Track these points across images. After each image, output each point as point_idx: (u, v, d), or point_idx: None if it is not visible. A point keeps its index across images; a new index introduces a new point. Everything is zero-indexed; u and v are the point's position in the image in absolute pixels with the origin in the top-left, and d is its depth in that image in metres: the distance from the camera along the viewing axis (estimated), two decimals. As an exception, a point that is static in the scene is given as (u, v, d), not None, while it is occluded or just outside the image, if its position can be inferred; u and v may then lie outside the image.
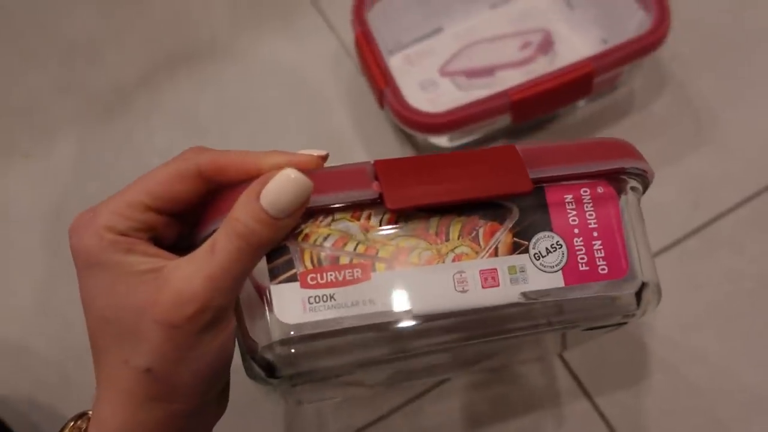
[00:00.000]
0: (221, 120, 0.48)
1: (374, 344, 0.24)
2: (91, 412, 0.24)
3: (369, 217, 0.24)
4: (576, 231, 0.25)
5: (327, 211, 0.24)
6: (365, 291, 0.23)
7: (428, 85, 0.47)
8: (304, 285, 0.23)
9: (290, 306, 0.23)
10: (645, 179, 0.27)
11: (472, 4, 0.49)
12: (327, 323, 0.23)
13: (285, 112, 0.48)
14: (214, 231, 0.22)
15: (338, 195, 0.24)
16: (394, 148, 0.47)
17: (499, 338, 0.26)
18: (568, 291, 0.24)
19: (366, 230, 0.24)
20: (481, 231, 0.24)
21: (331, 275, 0.23)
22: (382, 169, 0.24)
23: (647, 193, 0.29)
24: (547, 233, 0.25)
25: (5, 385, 0.40)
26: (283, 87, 0.48)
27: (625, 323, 0.27)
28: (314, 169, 0.24)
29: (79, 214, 0.23)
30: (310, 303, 0.23)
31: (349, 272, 0.23)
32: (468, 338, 0.25)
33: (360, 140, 0.47)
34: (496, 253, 0.24)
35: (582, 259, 0.25)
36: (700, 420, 0.39)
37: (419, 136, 0.45)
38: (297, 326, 0.23)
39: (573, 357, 0.41)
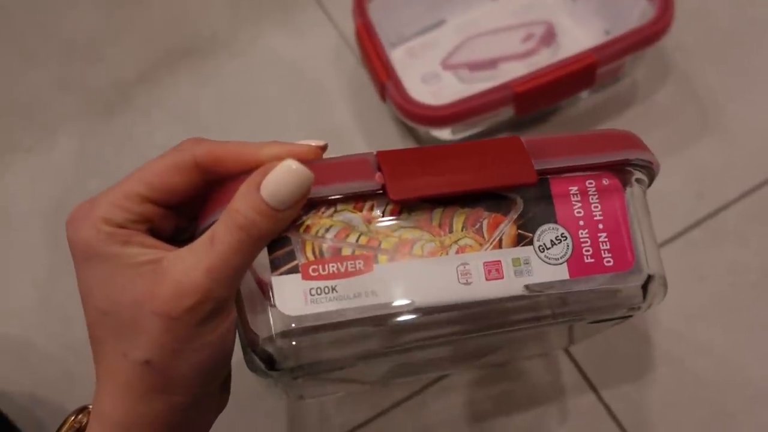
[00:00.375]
0: (222, 115, 0.48)
1: (376, 336, 0.24)
2: (91, 406, 0.24)
3: (371, 209, 0.24)
4: (581, 223, 0.25)
5: (329, 202, 0.24)
6: (367, 283, 0.23)
7: (430, 78, 0.47)
8: (306, 276, 0.23)
9: (292, 298, 0.23)
10: (651, 171, 0.27)
11: (474, -4, 0.48)
12: (329, 315, 0.23)
13: (286, 107, 0.48)
14: (213, 223, 0.22)
15: (340, 186, 0.23)
16: (395, 142, 0.46)
17: (502, 331, 0.25)
18: (573, 283, 0.24)
19: (368, 221, 0.24)
20: (485, 223, 0.24)
21: (333, 267, 0.23)
22: (384, 159, 0.24)
23: (652, 184, 0.29)
24: (551, 225, 0.24)
25: (7, 381, 0.40)
26: (284, 81, 0.48)
27: (631, 316, 0.27)
28: (314, 160, 0.24)
29: (76, 207, 0.23)
30: (311, 295, 0.23)
31: (351, 264, 0.23)
32: (471, 331, 0.25)
33: (361, 134, 0.47)
34: (500, 245, 0.24)
35: (587, 251, 0.24)
36: (705, 412, 0.39)
37: (421, 130, 0.45)
38: (298, 318, 0.23)
39: (578, 350, 0.41)
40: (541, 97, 0.42)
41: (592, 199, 0.25)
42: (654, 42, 0.42)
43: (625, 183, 0.25)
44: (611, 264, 0.24)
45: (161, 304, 0.21)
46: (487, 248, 0.24)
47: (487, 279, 0.24)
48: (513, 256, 0.24)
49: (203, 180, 0.23)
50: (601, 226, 0.25)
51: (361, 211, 0.24)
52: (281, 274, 0.23)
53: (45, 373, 0.41)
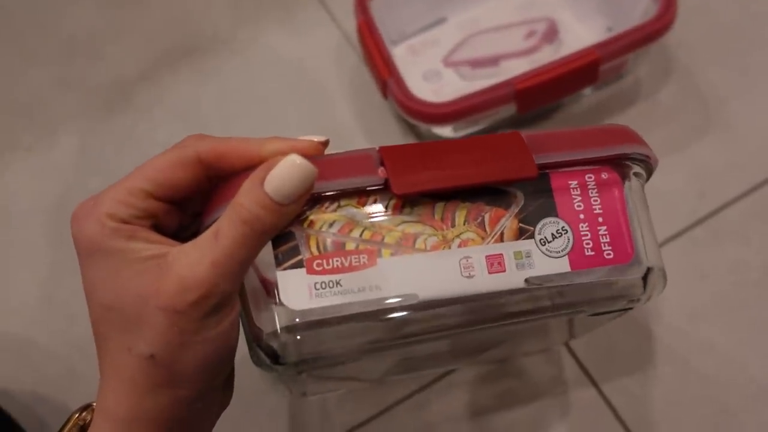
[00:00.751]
0: (223, 113, 0.48)
1: (380, 330, 0.24)
2: (95, 404, 0.24)
3: (375, 204, 0.24)
4: (581, 216, 0.25)
5: (332, 197, 0.24)
6: (371, 277, 0.23)
7: (432, 75, 0.47)
8: (310, 271, 0.23)
9: (296, 292, 0.23)
10: (649, 165, 0.27)
11: (476, -6, 0.49)
12: (333, 309, 0.23)
13: (287, 105, 0.48)
14: (217, 218, 0.22)
15: (344, 181, 0.24)
16: (397, 140, 0.46)
17: (505, 323, 0.26)
18: (574, 276, 0.25)
19: (372, 217, 0.24)
20: (486, 217, 0.25)
21: (337, 261, 0.23)
22: (387, 155, 0.24)
23: (653, 181, 0.29)
24: (552, 219, 0.25)
25: (10, 379, 0.41)
26: (285, 79, 0.48)
27: (631, 308, 0.27)
28: (316, 156, 0.24)
29: (80, 203, 0.23)
30: (316, 289, 0.23)
31: (355, 258, 0.23)
32: (474, 323, 0.25)
33: (363, 131, 0.47)
34: (501, 239, 0.24)
35: (587, 244, 0.25)
36: (707, 410, 0.39)
37: (423, 127, 0.45)
38: (303, 312, 0.23)
39: (579, 346, 0.41)
40: (543, 94, 0.42)
41: (592, 192, 0.25)
42: (657, 39, 0.42)
43: (624, 177, 0.26)
44: (611, 256, 0.25)
45: (166, 299, 0.21)
46: (489, 242, 0.24)
47: (489, 272, 0.24)
48: (515, 250, 0.24)
49: (206, 176, 0.24)
50: (600, 219, 0.25)
51: (364, 206, 0.24)
52: (286, 268, 0.23)
53: (47, 371, 0.41)
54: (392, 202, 0.24)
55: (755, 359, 0.40)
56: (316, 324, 0.23)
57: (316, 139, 0.24)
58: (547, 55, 0.46)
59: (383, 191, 0.24)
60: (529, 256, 0.24)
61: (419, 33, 0.48)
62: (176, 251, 0.22)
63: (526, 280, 0.24)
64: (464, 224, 0.24)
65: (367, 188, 0.24)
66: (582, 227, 0.25)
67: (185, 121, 0.48)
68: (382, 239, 0.24)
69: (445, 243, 0.24)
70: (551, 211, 0.25)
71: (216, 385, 0.24)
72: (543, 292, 0.25)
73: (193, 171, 0.23)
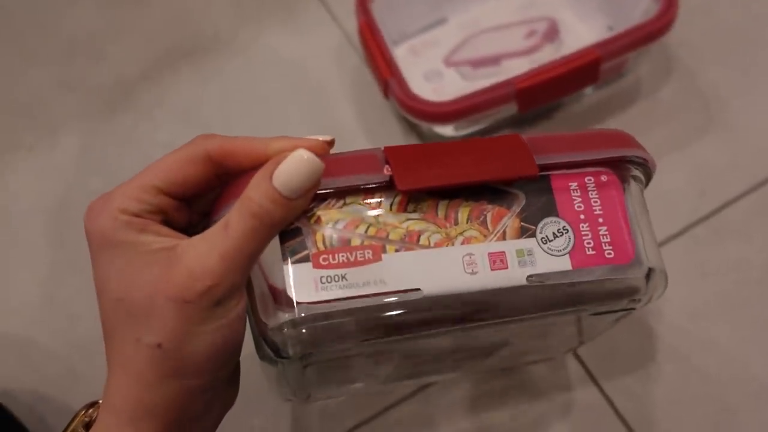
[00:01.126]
0: (224, 113, 0.48)
1: (384, 324, 0.25)
2: (101, 399, 0.24)
3: (380, 201, 0.25)
4: (582, 217, 0.26)
5: (339, 195, 0.25)
6: (376, 271, 0.24)
7: (433, 75, 0.47)
8: (317, 265, 0.24)
9: (302, 286, 0.24)
10: (647, 169, 0.28)
11: (477, -6, 0.49)
12: (338, 302, 0.24)
13: (288, 105, 0.48)
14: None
15: (350, 178, 0.25)
16: (398, 139, 0.47)
17: (507, 320, 0.26)
18: (576, 274, 0.25)
19: (377, 214, 0.25)
20: (489, 215, 0.25)
21: (342, 256, 0.24)
22: (392, 154, 0.25)
23: (655, 180, 0.29)
24: (553, 218, 0.25)
25: (12, 379, 0.41)
26: (287, 79, 0.49)
27: (633, 309, 0.28)
28: (323, 154, 0.24)
29: (93, 201, 0.24)
30: (321, 282, 0.24)
31: (360, 253, 0.24)
32: (477, 319, 0.26)
33: (364, 131, 0.47)
34: (504, 237, 0.25)
35: (588, 243, 0.25)
36: (708, 408, 0.39)
37: (424, 126, 0.45)
38: (308, 306, 0.24)
39: (582, 346, 0.41)
40: (543, 93, 0.42)
41: (592, 194, 0.26)
42: (658, 38, 0.42)
43: (623, 180, 0.26)
44: (612, 256, 0.25)
45: (175, 289, 0.22)
46: (492, 240, 0.25)
47: (492, 269, 0.25)
48: (517, 248, 0.25)
49: (214, 173, 0.24)
50: (601, 219, 0.26)
51: (369, 203, 0.25)
52: (293, 263, 0.24)
53: (48, 371, 0.41)
54: (397, 200, 0.25)
55: (757, 357, 0.40)
56: (321, 317, 0.24)
57: (322, 138, 0.25)
58: (548, 55, 0.47)
59: (388, 189, 0.25)
60: (531, 254, 0.25)
61: (420, 33, 0.48)
62: (185, 243, 0.23)
63: (528, 278, 0.25)
64: (467, 222, 0.25)
65: (373, 186, 0.25)
66: (582, 227, 0.25)
67: (186, 121, 0.48)
68: (387, 236, 0.25)
69: (449, 240, 0.25)
70: (552, 211, 0.25)
71: (221, 379, 0.25)
72: (544, 289, 0.25)
73: (202, 168, 0.24)
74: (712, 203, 0.44)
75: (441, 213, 0.25)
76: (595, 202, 0.26)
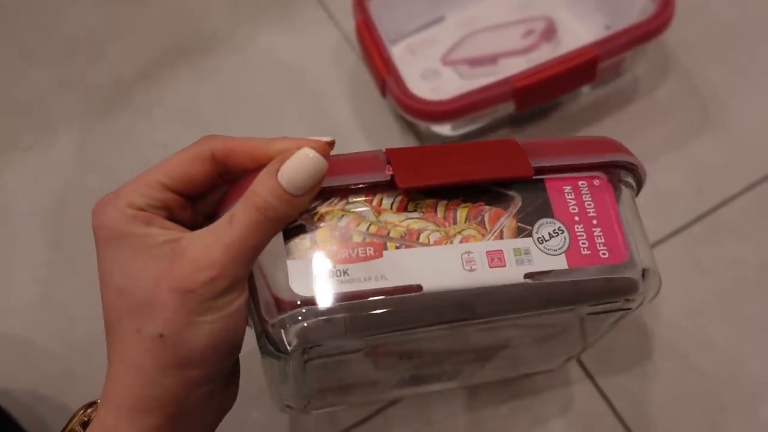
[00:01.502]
0: (222, 112, 0.48)
1: (385, 319, 0.25)
2: (100, 395, 0.24)
3: (381, 201, 0.26)
4: (576, 218, 0.27)
5: (342, 194, 0.26)
6: (377, 268, 0.25)
7: (430, 74, 0.47)
8: (319, 261, 0.25)
9: (305, 281, 0.24)
10: (637, 175, 0.29)
11: (474, -8, 0.49)
12: (340, 297, 0.24)
13: (286, 104, 0.48)
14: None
15: (352, 177, 0.25)
16: (396, 138, 0.47)
17: (506, 318, 0.27)
18: (572, 273, 0.26)
19: (378, 213, 0.26)
20: (486, 216, 0.26)
21: (344, 252, 0.25)
22: (393, 155, 0.26)
23: (652, 179, 0.30)
24: (548, 219, 0.26)
25: (9, 379, 0.41)
26: (284, 78, 0.49)
27: (629, 309, 0.29)
28: (324, 155, 0.25)
29: (100, 198, 0.24)
30: (324, 278, 0.24)
31: (362, 250, 0.25)
32: (475, 316, 0.26)
33: (362, 130, 0.47)
34: (501, 237, 0.26)
35: (583, 243, 0.26)
36: (705, 406, 0.40)
37: (422, 125, 0.45)
38: (310, 300, 0.24)
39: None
40: (541, 92, 0.42)
41: (585, 197, 0.27)
42: (655, 37, 0.42)
43: (615, 184, 0.28)
44: (606, 256, 0.26)
45: (178, 279, 0.22)
46: (490, 238, 0.26)
47: (490, 266, 0.25)
48: (514, 246, 0.26)
49: (218, 172, 0.25)
50: (595, 221, 0.27)
51: (371, 202, 0.26)
52: (296, 258, 0.25)
53: (47, 371, 0.41)
54: (397, 200, 0.26)
55: (754, 356, 0.40)
56: (322, 312, 0.24)
57: (324, 139, 0.25)
58: (545, 54, 0.47)
59: (389, 189, 0.26)
60: (527, 253, 0.26)
61: (417, 32, 0.48)
62: (190, 236, 0.23)
63: (526, 275, 0.25)
64: (465, 222, 0.26)
65: (375, 185, 0.26)
66: (577, 228, 0.26)
67: (184, 120, 0.48)
68: (388, 233, 0.25)
69: (448, 238, 0.26)
70: (547, 213, 0.26)
71: (222, 372, 0.25)
72: (541, 287, 0.26)
73: (207, 167, 0.25)
74: (709, 202, 0.44)
75: (440, 212, 0.26)
76: (589, 204, 0.27)
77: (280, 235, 0.25)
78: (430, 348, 0.31)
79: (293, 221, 0.25)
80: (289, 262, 0.24)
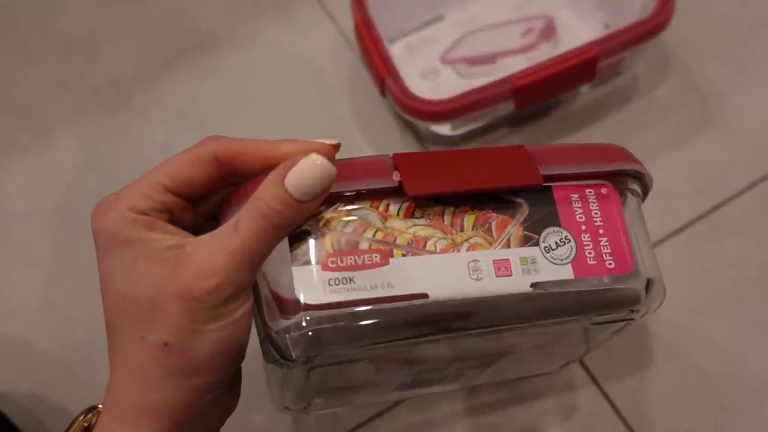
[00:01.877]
0: (221, 112, 0.48)
1: (391, 328, 0.25)
2: (101, 406, 0.24)
3: (387, 207, 0.26)
4: (583, 228, 0.26)
5: (348, 199, 0.25)
6: (383, 275, 0.24)
7: (429, 73, 0.47)
8: (325, 268, 0.24)
9: (310, 288, 0.24)
10: (644, 183, 0.29)
11: (473, -9, 0.49)
12: (345, 304, 0.24)
13: (285, 104, 0.48)
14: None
15: (359, 183, 0.25)
16: (395, 138, 0.47)
17: (509, 328, 0.27)
18: (578, 283, 0.26)
19: (384, 219, 0.25)
20: (493, 224, 0.26)
21: (350, 259, 0.25)
22: (401, 160, 0.26)
23: (653, 179, 0.29)
24: (555, 228, 0.26)
25: (9, 382, 0.41)
26: (283, 78, 0.49)
27: (632, 319, 0.29)
28: (329, 158, 0.25)
29: (100, 200, 0.24)
30: (330, 285, 0.24)
31: (368, 257, 0.25)
32: (479, 326, 0.26)
33: (361, 130, 0.47)
34: (508, 245, 0.26)
35: (590, 253, 0.26)
36: (706, 405, 0.40)
37: (421, 125, 0.45)
38: (316, 307, 0.24)
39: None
40: (540, 91, 0.42)
41: (592, 206, 0.27)
42: (655, 35, 0.42)
43: (621, 193, 0.28)
44: (612, 266, 0.26)
45: (183, 286, 0.22)
46: (497, 247, 0.26)
47: (496, 275, 0.25)
48: (521, 255, 0.26)
49: (221, 174, 0.25)
50: (601, 231, 0.27)
51: (377, 208, 0.25)
52: (301, 265, 0.24)
53: (46, 374, 0.41)
54: (404, 206, 0.26)
55: (756, 354, 0.40)
56: (327, 319, 0.24)
57: (328, 142, 0.25)
58: (544, 53, 0.47)
59: (396, 195, 0.26)
60: (534, 262, 0.26)
61: (416, 31, 0.48)
62: (194, 242, 0.23)
63: (532, 285, 0.25)
64: (472, 229, 0.26)
65: (382, 191, 0.25)
66: (584, 237, 0.26)
67: (183, 120, 0.48)
68: (394, 240, 0.25)
69: (455, 246, 0.25)
70: (554, 221, 0.26)
71: (225, 379, 0.25)
72: (547, 296, 0.26)
73: (209, 169, 0.24)
74: (710, 200, 0.44)
75: (447, 220, 0.26)
76: (596, 213, 0.27)
77: (285, 241, 0.24)
78: (434, 354, 0.31)
79: (298, 227, 0.25)
80: (294, 269, 0.24)
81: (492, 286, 0.25)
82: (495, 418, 0.40)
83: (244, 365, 0.26)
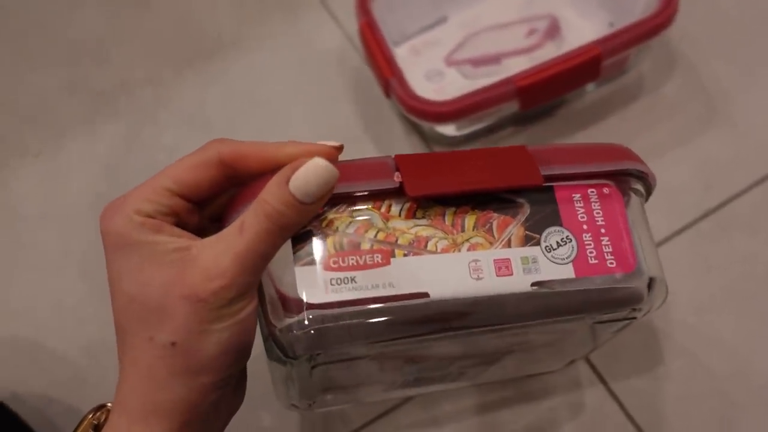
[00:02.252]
0: (228, 115, 0.48)
1: (392, 327, 0.25)
2: (110, 405, 0.25)
3: (389, 207, 0.26)
4: (585, 227, 0.27)
5: (350, 200, 0.26)
6: (385, 275, 0.25)
7: (434, 75, 0.47)
8: (327, 268, 0.25)
9: (312, 287, 0.24)
10: (647, 183, 0.29)
11: (477, -8, 0.49)
12: (347, 304, 0.24)
13: (291, 106, 0.48)
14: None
15: (361, 184, 0.26)
16: (400, 139, 0.47)
17: (511, 327, 0.27)
18: (579, 282, 0.26)
19: (386, 219, 0.26)
20: (494, 223, 0.26)
21: (352, 259, 0.25)
22: (402, 161, 0.26)
23: (660, 175, 0.30)
24: (557, 228, 0.26)
25: (20, 383, 0.41)
26: (289, 81, 0.49)
27: (634, 318, 0.29)
28: (333, 160, 0.25)
29: (108, 203, 0.25)
30: (332, 284, 0.25)
31: (369, 257, 0.25)
32: (481, 324, 0.26)
33: (366, 132, 0.47)
34: (509, 245, 0.26)
35: (591, 253, 0.26)
36: (715, 403, 0.40)
37: (426, 126, 0.45)
38: (318, 306, 0.24)
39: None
40: (545, 91, 0.42)
41: (594, 205, 0.27)
42: (659, 33, 0.42)
43: (624, 192, 0.28)
44: (614, 265, 0.26)
45: (190, 288, 0.23)
46: (497, 247, 0.26)
47: (497, 275, 0.25)
48: (521, 255, 0.26)
49: (225, 176, 0.25)
50: (603, 230, 0.27)
51: (379, 209, 0.26)
52: (303, 265, 0.25)
53: (57, 375, 0.42)
54: (406, 207, 0.26)
55: (764, 352, 0.41)
56: (330, 318, 0.24)
57: (331, 144, 0.25)
58: (549, 52, 0.47)
59: (398, 196, 0.26)
60: (535, 262, 0.26)
61: (421, 33, 0.49)
62: (200, 244, 0.23)
63: (533, 284, 0.25)
64: (473, 229, 0.26)
65: (383, 192, 0.26)
66: (585, 237, 0.26)
67: (190, 123, 0.48)
68: (396, 240, 0.25)
69: (455, 246, 0.26)
70: (556, 221, 0.26)
71: (232, 378, 0.25)
72: (548, 296, 0.26)
73: (214, 171, 0.25)
74: (717, 197, 0.44)
75: (448, 220, 0.26)
76: (598, 213, 0.27)
77: (288, 241, 0.25)
78: (437, 353, 0.31)
79: (302, 227, 0.25)
80: (296, 269, 0.24)
81: (493, 285, 0.25)
82: (501, 416, 0.40)
83: (251, 365, 0.27)
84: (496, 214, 0.26)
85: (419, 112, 0.42)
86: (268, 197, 0.23)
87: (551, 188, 0.27)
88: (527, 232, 0.26)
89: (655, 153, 0.45)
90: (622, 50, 0.42)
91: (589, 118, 0.47)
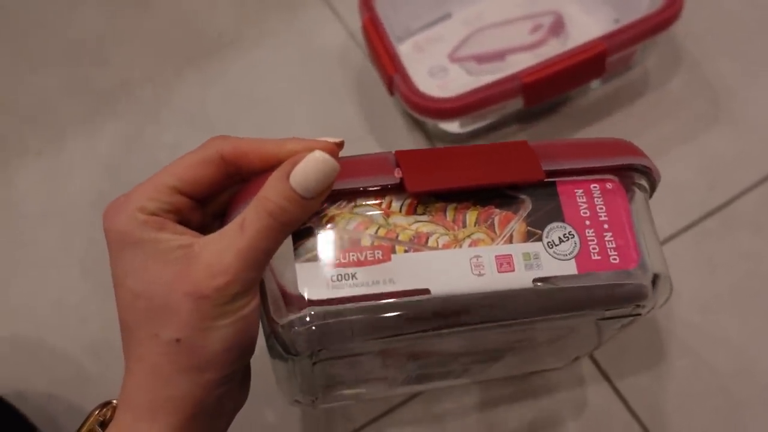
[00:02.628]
0: (230, 114, 0.48)
1: (392, 323, 0.25)
2: (115, 401, 0.25)
3: (390, 203, 0.26)
4: (587, 222, 0.26)
5: (351, 196, 0.26)
6: (386, 271, 0.25)
7: (438, 71, 0.47)
8: (328, 264, 0.25)
9: (313, 284, 0.25)
10: (651, 178, 0.29)
11: (481, -12, 0.49)
12: (348, 300, 0.24)
13: (294, 104, 0.48)
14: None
15: (362, 180, 0.26)
16: (404, 136, 0.47)
17: (513, 323, 0.27)
18: (581, 278, 0.26)
19: (387, 215, 0.26)
20: (496, 219, 0.26)
21: (353, 255, 0.25)
22: (403, 157, 0.26)
23: (664, 172, 0.30)
24: (559, 224, 0.26)
25: (23, 381, 0.42)
26: (292, 78, 0.49)
27: (638, 315, 0.29)
28: (333, 156, 0.25)
29: (111, 202, 0.25)
30: (332, 281, 0.25)
31: (370, 253, 0.25)
32: (483, 321, 0.26)
33: (370, 128, 0.47)
34: (510, 241, 0.26)
35: (594, 248, 0.26)
36: (719, 402, 0.40)
37: (429, 123, 0.45)
38: (319, 302, 0.24)
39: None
40: (549, 87, 0.42)
41: (597, 201, 0.27)
42: (664, 29, 0.42)
43: (628, 188, 0.27)
44: (617, 261, 0.26)
45: (193, 285, 0.23)
46: (499, 243, 0.26)
47: (499, 271, 0.25)
48: (523, 251, 0.26)
49: (227, 174, 0.25)
50: (606, 226, 0.26)
51: (380, 205, 0.26)
52: (304, 261, 0.25)
53: (59, 373, 0.42)
54: (406, 203, 0.26)
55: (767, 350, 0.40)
56: (331, 315, 0.24)
57: (332, 140, 0.25)
58: (553, 49, 0.47)
59: (398, 192, 0.26)
60: (537, 258, 0.26)
61: (424, 29, 0.49)
62: (203, 241, 0.24)
63: (534, 280, 0.25)
64: (475, 225, 0.26)
65: (384, 188, 0.26)
66: (588, 233, 0.26)
67: (192, 122, 0.48)
68: (397, 237, 0.25)
69: (457, 242, 0.26)
70: (558, 217, 0.26)
71: (236, 373, 0.25)
72: (550, 292, 0.26)
73: (216, 169, 0.25)
74: (722, 195, 0.44)
75: (449, 216, 0.26)
76: (601, 208, 0.27)
77: (289, 238, 0.25)
78: (439, 349, 0.31)
79: (302, 224, 0.25)
80: (297, 265, 0.25)
81: (494, 281, 0.25)
82: (504, 413, 0.40)
83: (254, 362, 0.27)
84: (497, 210, 0.26)
85: (423, 109, 0.42)
86: (269, 193, 0.23)
87: (553, 183, 0.27)
88: (529, 228, 0.26)
89: (659, 150, 0.45)
90: (627, 46, 0.42)
91: (594, 114, 0.47)
